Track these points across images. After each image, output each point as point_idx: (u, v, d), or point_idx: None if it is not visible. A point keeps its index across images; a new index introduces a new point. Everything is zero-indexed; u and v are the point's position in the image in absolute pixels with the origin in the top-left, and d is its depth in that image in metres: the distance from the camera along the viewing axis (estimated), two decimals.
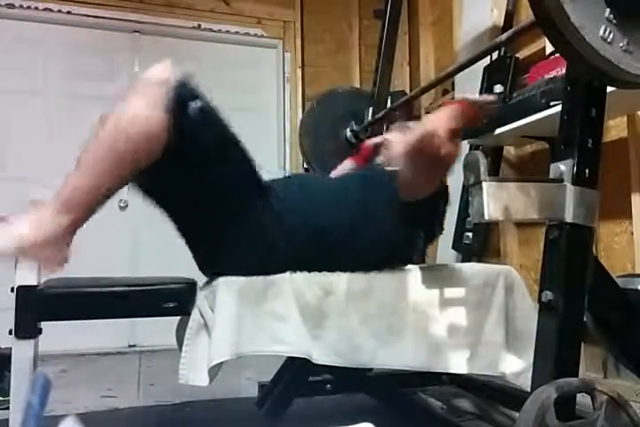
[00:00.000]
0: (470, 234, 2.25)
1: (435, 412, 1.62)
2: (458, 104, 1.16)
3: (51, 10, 2.91)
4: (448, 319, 1.16)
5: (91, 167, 0.96)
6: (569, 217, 0.89)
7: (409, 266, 1.25)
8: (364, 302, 1.14)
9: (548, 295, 0.89)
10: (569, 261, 0.90)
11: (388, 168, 1.38)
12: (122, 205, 2.98)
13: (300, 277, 1.14)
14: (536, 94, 1.68)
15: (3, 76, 2.85)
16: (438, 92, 2.80)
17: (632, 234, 1.70)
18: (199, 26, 3.14)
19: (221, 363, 1.07)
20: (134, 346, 2.90)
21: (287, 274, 1.14)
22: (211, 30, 3.16)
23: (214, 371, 1.08)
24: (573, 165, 0.90)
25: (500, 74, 2.08)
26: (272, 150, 3.17)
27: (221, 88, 2.49)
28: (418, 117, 2.96)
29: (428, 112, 2.90)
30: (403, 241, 1.25)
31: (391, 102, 2.35)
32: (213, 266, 1.20)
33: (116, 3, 2.97)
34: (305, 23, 3.29)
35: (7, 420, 1.08)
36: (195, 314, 1.13)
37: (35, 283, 1.12)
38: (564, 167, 0.91)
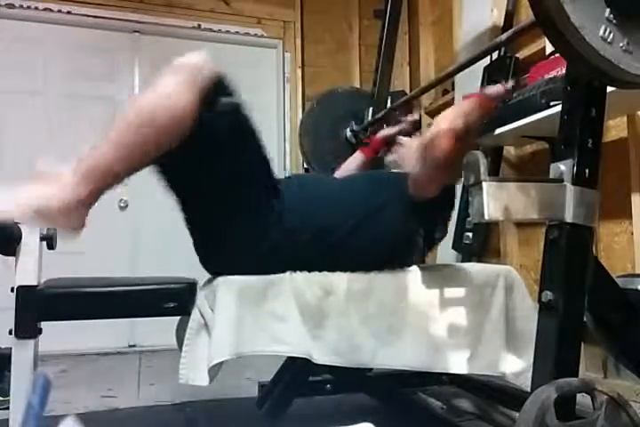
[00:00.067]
0: (470, 234, 2.25)
1: (435, 412, 1.62)
2: (475, 98, 1.18)
3: (51, 10, 2.91)
4: (448, 319, 1.17)
5: (115, 141, 0.96)
6: (569, 217, 0.89)
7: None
8: (365, 301, 1.14)
9: (547, 295, 0.89)
10: (569, 261, 0.90)
11: (396, 169, 1.39)
12: (122, 205, 2.99)
13: (300, 276, 1.14)
14: (536, 94, 1.68)
15: (3, 76, 2.85)
16: (438, 92, 2.80)
17: (632, 234, 1.70)
18: (199, 26, 3.14)
19: (221, 363, 1.07)
20: (134, 346, 2.90)
21: (287, 274, 1.14)
22: (211, 30, 3.16)
23: (214, 371, 1.08)
24: (573, 165, 0.90)
25: (499, 74, 2.08)
26: (272, 150, 3.17)
27: None
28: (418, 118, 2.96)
29: (427, 112, 2.90)
30: (405, 243, 1.25)
31: (391, 102, 2.35)
32: (215, 260, 1.20)
33: (115, 3, 2.97)
34: (305, 23, 3.29)
35: (7, 420, 1.08)
36: (195, 314, 1.13)
37: (35, 283, 1.12)
38: (564, 167, 0.91)
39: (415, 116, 1.83)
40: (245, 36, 3.22)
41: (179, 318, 1.24)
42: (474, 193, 0.86)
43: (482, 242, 2.30)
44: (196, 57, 1.01)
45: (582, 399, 0.85)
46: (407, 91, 3.08)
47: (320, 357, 1.10)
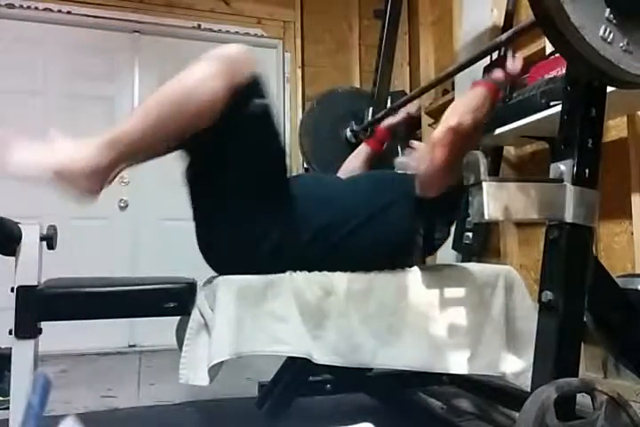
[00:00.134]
0: (470, 234, 2.25)
1: (435, 412, 1.62)
2: (484, 87, 1.18)
3: (51, 10, 2.91)
4: (448, 319, 1.16)
5: (143, 117, 0.99)
6: (569, 217, 0.89)
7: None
8: (365, 301, 1.14)
9: (548, 295, 0.89)
10: (569, 261, 0.90)
11: (402, 171, 1.39)
12: (122, 205, 2.99)
13: (301, 276, 1.14)
14: (536, 94, 1.68)
15: (3, 76, 2.85)
16: (438, 92, 2.80)
17: (632, 234, 1.70)
18: (199, 26, 3.14)
19: (221, 363, 1.07)
20: (134, 346, 2.90)
21: (287, 274, 1.14)
22: (211, 30, 3.16)
23: (214, 371, 1.08)
24: (573, 165, 0.90)
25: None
26: None
27: None
28: (418, 118, 2.96)
29: (428, 112, 2.90)
30: (407, 244, 1.25)
31: (391, 102, 2.35)
32: (218, 256, 1.20)
33: (115, 3, 2.97)
34: (305, 23, 3.29)
35: (7, 420, 1.08)
36: (195, 314, 1.13)
37: (35, 283, 1.12)
38: (564, 167, 0.91)
39: (415, 104, 1.83)
40: (245, 36, 3.22)
41: (179, 318, 1.24)
42: (474, 193, 0.86)
43: (482, 242, 2.30)
44: (236, 48, 1.03)
45: (582, 399, 0.85)
46: (407, 91, 3.08)
47: (320, 357, 1.10)
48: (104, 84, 3.03)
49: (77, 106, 2.97)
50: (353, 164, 1.72)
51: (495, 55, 2.15)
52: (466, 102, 1.16)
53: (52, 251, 1.23)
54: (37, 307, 1.11)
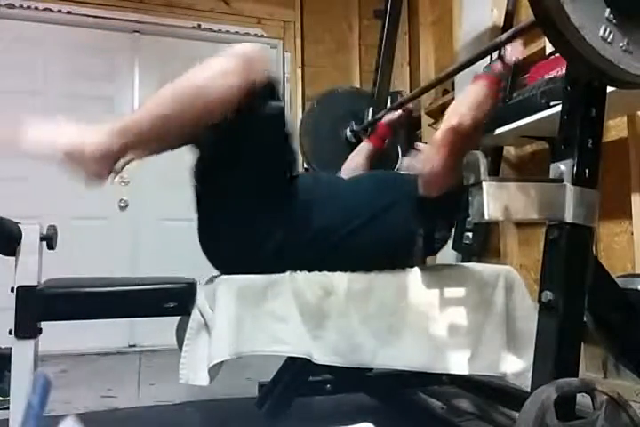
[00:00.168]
0: (470, 234, 2.25)
1: (435, 412, 1.62)
2: (486, 81, 1.18)
3: (51, 10, 2.91)
4: (448, 319, 1.16)
5: (158, 105, 1.00)
6: (569, 217, 0.89)
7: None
8: (365, 301, 1.14)
9: (548, 295, 0.89)
10: (569, 261, 0.90)
11: (406, 171, 1.39)
12: (122, 205, 2.99)
13: (301, 276, 1.14)
14: (536, 94, 1.68)
15: (3, 76, 2.85)
16: (438, 92, 2.80)
17: (632, 234, 1.70)
18: (199, 26, 3.14)
19: (221, 363, 1.07)
20: (134, 346, 2.90)
21: (287, 274, 1.14)
22: (211, 30, 3.16)
23: (214, 371, 1.08)
24: (573, 165, 0.90)
25: None
26: None
27: None
28: (418, 118, 2.96)
29: (428, 112, 2.90)
30: (408, 244, 1.25)
31: (391, 102, 2.35)
32: (220, 254, 1.20)
33: (115, 3, 2.97)
34: (305, 23, 3.29)
35: (7, 420, 1.08)
36: (195, 314, 1.13)
37: (35, 283, 1.12)
38: (564, 167, 0.91)
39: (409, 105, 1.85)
40: (245, 36, 3.22)
41: (179, 318, 1.24)
42: (474, 193, 0.86)
43: (482, 242, 2.30)
44: (252, 47, 1.05)
45: (582, 399, 0.85)
46: (407, 91, 3.08)
47: (320, 357, 1.10)
48: (104, 84, 3.03)
49: (77, 106, 2.97)
50: (355, 161, 1.73)
51: (495, 55, 2.15)
52: (467, 100, 1.16)
53: (51, 251, 1.23)
54: (37, 307, 1.10)
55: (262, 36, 3.24)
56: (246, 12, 3.21)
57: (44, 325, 1.15)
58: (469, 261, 2.26)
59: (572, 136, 0.92)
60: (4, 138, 1.00)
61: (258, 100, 1.03)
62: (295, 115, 3.15)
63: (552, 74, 1.71)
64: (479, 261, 2.30)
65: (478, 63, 1.45)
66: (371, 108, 2.32)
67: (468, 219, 2.22)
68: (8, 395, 1.12)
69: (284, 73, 3.24)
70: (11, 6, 2.85)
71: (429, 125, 2.92)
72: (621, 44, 0.79)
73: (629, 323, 1.05)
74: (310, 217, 1.17)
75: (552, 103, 1.60)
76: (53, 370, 2.24)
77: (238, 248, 1.16)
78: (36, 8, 2.89)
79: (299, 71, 3.22)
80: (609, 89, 0.94)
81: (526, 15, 2.16)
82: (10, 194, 2.71)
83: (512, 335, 1.20)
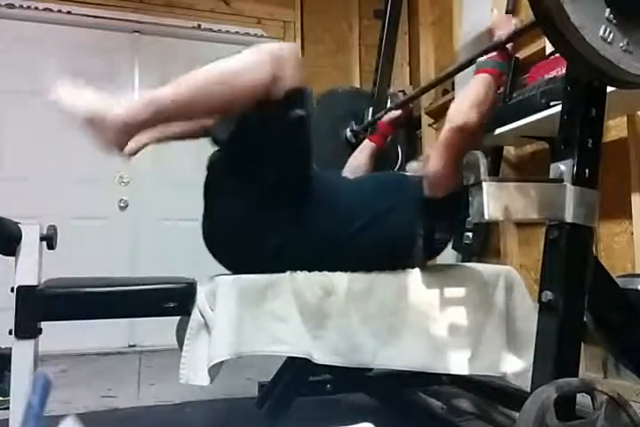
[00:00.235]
0: (470, 234, 2.25)
1: (435, 412, 1.62)
2: (489, 75, 1.18)
3: (51, 10, 2.91)
4: (448, 319, 1.16)
5: (185, 85, 1.03)
6: (569, 217, 0.89)
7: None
8: (365, 301, 1.14)
9: (548, 295, 0.89)
10: (569, 261, 0.90)
11: (409, 173, 1.39)
12: (122, 205, 2.99)
13: (301, 276, 1.14)
14: (536, 94, 1.68)
15: (3, 76, 2.85)
16: (438, 92, 2.80)
17: (632, 234, 1.70)
18: (199, 26, 3.14)
19: (222, 363, 1.07)
20: (134, 346, 2.90)
21: (287, 274, 1.14)
22: (211, 30, 3.16)
23: (214, 371, 1.08)
24: (573, 165, 0.90)
25: None
26: None
27: None
28: (418, 118, 2.96)
29: (428, 112, 2.90)
30: (409, 246, 1.24)
31: (391, 102, 2.35)
32: (223, 248, 1.21)
33: (115, 3, 2.97)
34: (305, 23, 3.29)
35: (7, 420, 1.08)
36: (195, 314, 1.13)
37: (35, 283, 1.11)
38: (564, 167, 0.91)
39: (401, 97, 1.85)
40: (245, 36, 3.22)
41: (179, 318, 1.24)
42: (474, 193, 0.86)
43: (482, 242, 2.30)
44: (287, 46, 1.09)
45: (582, 399, 0.85)
46: (407, 91, 3.08)
47: (320, 357, 1.10)
48: (104, 84, 3.00)
49: None
50: (358, 160, 1.73)
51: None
52: (470, 97, 1.15)
53: (51, 251, 1.23)
54: (37, 307, 1.10)
55: (262, 36, 3.24)
56: (246, 12, 3.21)
57: (43, 325, 1.15)
58: (469, 261, 2.25)
59: (572, 136, 0.92)
60: (45, 86, 1.07)
61: (284, 105, 1.05)
62: None
63: (552, 74, 1.70)
64: (479, 261, 2.30)
65: None
66: (371, 108, 2.32)
67: (468, 219, 2.23)
68: (8, 395, 1.12)
69: None
70: (11, 6, 2.85)
71: (429, 125, 2.92)
72: (621, 44, 0.79)
73: (629, 323, 1.05)
74: (316, 216, 1.17)
75: (552, 103, 1.60)
76: (53, 370, 2.24)
77: (245, 243, 1.16)
78: (36, 8, 2.89)
79: None
80: (609, 89, 0.94)
81: (526, 15, 2.16)
82: (10, 194, 2.71)
83: (512, 335, 1.20)
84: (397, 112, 1.78)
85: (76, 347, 2.68)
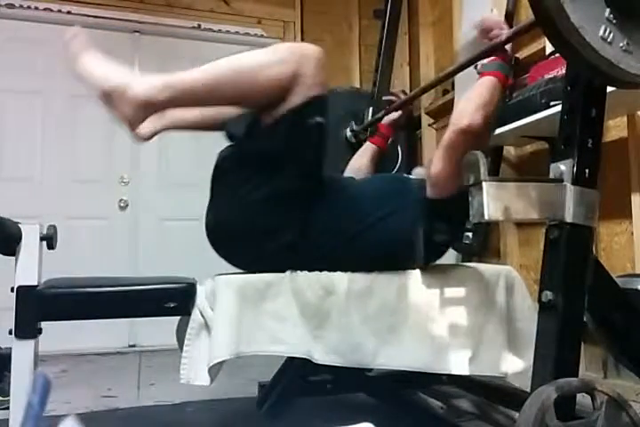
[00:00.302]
0: (470, 234, 2.25)
1: (435, 412, 1.62)
2: (494, 78, 1.17)
3: (51, 10, 2.91)
4: (449, 320, 1.16)
5: (208, 72, 1.05)
6: (569, 217, 0.89)
7: None
8: (365, 301, 1.14)
9: (547, 295, 0.89)
10: (569, 261, 0.90)
11: (414, 176, 1.39)
12: (122, 205, 2.99)
13: (301, 276, 1.14)
14: (536, 94, 1.68)
15: (3, 76, 2.85)
16: (438, 92, 2.80)
17: (632, 234, 1.70)
18: (199, 26, 3.14)
19: (222, 363, 1.07)
20: (134, 346, 2.90)
21: (287, 273, 1.14)
22: (211, 30, 3.16)
23: (215, 371, 1.08)
24: (573, 165, 0.90)
25: None
26: None
27: None
28: (418, 118, 2.96)
29: (428, 112, 2.90)
30: (413, 248, 1.24)
31: (391, 102, 2.34)
32: (228, 241, 1.20)
33: (116, 3, 2.97)
34: (305, 23, 3.29)
35: (7, 420, 1.08)
36: (195, 314, 1.13)
37: (35, 283, 1.12)
38: (564, 167, 0.91)
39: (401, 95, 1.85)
40: (245, 36, 3.22)
41: (179, 318, 1.24)
42: (474, 193, 0.86)
43: (482, 242, 2.30)
44: (313, 47, 1.11)
45: (582, 399, 0.85)
46: (407, 91, 3.08)
47: (321, 357, 1.10)
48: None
49: (77, 106, 2.97)
50: (359, 162, 1.73)
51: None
52: (474, 100, 1.14)
53: (52, 251, 1.23)
54: (37, 307, 1.10)
55: (262, 36, 3.24)
56: (246, 12, 3.21)
57: (44, 325, 1.15)
58: (469, 261, 2.25)
59: (572, 136, 0.92)
60: (69, 54, 1.08)
61: (305, 111, 1.08)
62: None
63: (552, 74, 1.71)
64: (479, 261, 2.30)
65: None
66: (371, 108, 2.32)
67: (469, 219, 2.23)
68: (8, 395, 1.12)
69: None
70: (11, 6, 2.85)
71: (429, 125, 2.92)
72: (621, 44, 0.79)
73: (629, 323, 1.05)
74: (325, 215, 1.17)
75: (552, 103, 1.60)
76: (53, 370, 2.24)
77: (254, 238, 1.16)
78: (36, 8, 2.89)
79: None
80: (609, 89, 0.94)
81: (526, 15, 2.16)
82: (10, 194, 2.71)
83: (512, 335, 1.20)
84: (397, 114, 1.78)
85: (76, 347, 2.68)
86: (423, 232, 1.19)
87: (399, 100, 1.78)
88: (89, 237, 2.89)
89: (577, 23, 0.75)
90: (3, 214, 1.12)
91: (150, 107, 1.03)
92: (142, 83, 1.01)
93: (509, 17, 2.22)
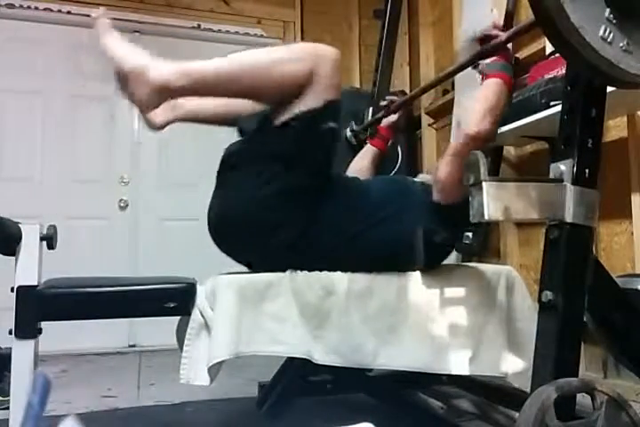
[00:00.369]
0: (470, 234, 2.25)
1: (435, 412, 1.62)
2: (500, 80, 1.18)
3: (51, 10, 2.91)
4: (449, 320, 1.16)
5: (226, 64, 1.08)
6: (569, 217, 0.89)
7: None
8: (365, 301, 1.14)
9: (547, 295, 0.89)
10: (569, 261, 0.89)
11: (419, 179, 1.38)
12: (122, 205, 2.99)
13: (301, 276, 1.14)
14: (536, 94, 1.68)
15: (2, 76, 2.85)
16: (438, 92, 2.80)
17: (632, 234, 1.70)
18: (199, 26, 3.14)
19: (221, 363, 1.07)
20: (134, 346, 2.90)
21: (287, 273, 1.14)
22: (211, 30, 3.16)
23: (214, 371, 1.08)
24: (573, 165, 0.90)
25: None
26: None
27: None
28: (418, 118, 2.96)
29: (428, 112, 2.90)
30: (415, 250, 1.24)
31: (385, 108, 2.34)
32: (232, 234, 1.20)
33: (116, 3, 2.97)
34: (305, 23, 3.29)
35: (7, 420, 1.08)
36: (195, 314, 1.13)
37: (35, 283, 1.12)
38: (564, 167, 0.91)
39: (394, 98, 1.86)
40: (245, 36, 3.22)
41: (179, 318, 1.24)
42: (474, 193, 0.86)
43: (482, 242, 2.30)
44: (332, 49, 1.15)
45: (582, 399, 0.85)
46: (407, 91, 3.08)
47: (321, 357, 1.10)
48: (104, 84, 3.02)
49: (77, 106, 2.97)
50: (360, 164, 1.73)
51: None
52: (483, 105, 1.14)
53: (52, 251, 1.23)
54: (37, 307, 1.10)
55: (262, 36, 3.25)
56: (246, 12, 3.21)
57: (44, 325, 1.15)
58: (469, 261, 2.25)
59: (572, 136, 0.92)
60: (97, 29, 1.14)
61: (320, 115, 1.09)
62: None
63: (552, 74, 1.71)
64: (479, 261, 2.30)
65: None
66: (371, 109, 2.32)
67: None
68: (8, 395, 1.12)
69: None
70: (11, 6, 2.85)
71: (429, 125, 2.92)
72: (621, 44, 0.79)
73: (629, 323, 1.05)
74: (332, 213, 1.17)
75: (552, 103, 1.60)
76: (53, 370, 2.24)
77: (260, 232, 1.15)
78: (36, 8, 2.89)
79: None
80: (609, 89, 0.94)
81: (526, 15, 2.16)
82: (10, 194, 2.71)
83: (512, 336, 1.20)
84: (395, 116, 1.78)
85: (76, 347, 2.68)
86: (427, 236, 1.18)
87: (396, 102, 1.78)
88: (89, 237, 2.89)
89: (577, 23, 0.75)
90: (3, 214, 1.12)
91: (166, 92, 1.04)
92: (161, 67, 1.03)
93: (509, 17, 2.22)
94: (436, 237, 1.20)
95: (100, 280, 1.25)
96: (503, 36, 1.22)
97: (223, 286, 1.11)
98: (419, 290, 1.17)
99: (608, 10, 0.78)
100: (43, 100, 2.94)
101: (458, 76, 2.03)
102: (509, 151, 2.30)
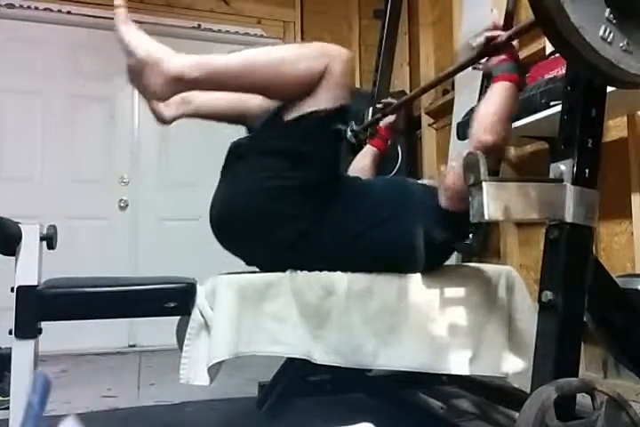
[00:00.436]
0: (470, 234, 2.25)
1: (435, 412, 1.62)
2: (509, 82, 1.15)
3: (51, 10, 2.91)
4: (449, 320, 1.16)
5: (240, 59, 1.09)
6: (569, 217, 0.89)
7: None
8: (365, 302, 1.14)
9: (547, 295, 0.89)
10: (569, 261, 0.90)
11: (424, 182, 1.38)
12: (122, 205, 2.99)
13: (301, 276, 1.14)
14: (536, 94, 1.68)
15: (2, 76, 2.85)
16: (438, 92, 2.80)
17: (632, 234, 1.70)
18: (199, 26, 3.14)
19: (221, 363, 1.07)
20: (134, 346, 2.90)
21: (287, 273, 1.14)
22: (211, 30, 3.16)
23: (214, 371, 1.08)
24: (573, 165, 0.90)
25: None
26: None
27: None
28: (418, 118, 2.96)
29: (428, 112, 2.90)
30: (416, 253, 1.23)
31: (383, 110, 2.34)
32: (237, 231, 1.20)
33: None
34: (305, 23, 3.29)
35: (7, 420, 1.08)
36: (195, 314, 1.13)
37: (35, 283, 1.12)
38: (564, 167, 0.91)
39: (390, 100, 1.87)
40: (245, 36, 3.22)
41: (179, 318, 1.24)
42: (474, 193, 0.86)
43: (482, 242, 2.30)
44: (344, 50, 1.13)
45: (582, 399, 0.85)
46: (407, 91, 3.08)
47: (321, 357, 1.10)
48: (104, 84, 3.03)
49: (77, 106, 2.97)
50: (361, 164, 1.73)
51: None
52: (495, 111, 1.12)
53: (52, 251, 1.23)
54: (37, 307, 1.10)
55: (262, 36, 3.25)
56: (246, 11, 3.21)
57: (44, 325, 1.15)
58: (469, 261, 2.25)
59: (572, 136, 0.92)
60: (115, 19, 1.12)
61: (331, 117, 1.10)
62: None
63: (552, 74, 1.70)
64: (479, 261, 2.30)
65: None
66: (371, 108, 2.32)
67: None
68: (8, 395, 1.12)
69: None
70: (11, 6, 2.85)
71: (429, 125, 2.92)
72: (621, 44, 0.79)
73: (629, 323, 1.05)
74: (337, 211, 1.17)
75: (552, 103, 1.60)
76: (53, 370, 2.24)
77: (265, 228, 1.15)
78: (36, 8, 2.89)
79: None
80: (609, 89, 0.94)
81: (526, 15, 2.16)
82: (10, 194, 2.71)
83: (513, 336, 1.20)
84: (392, 117, 1.78)
85: (76, 347, 2.68)
86: (429, 239, 1.18)
87: (394, 103, 1.78)
88: (89, 237, 2.89)
89: (577, 23, 0.75)
90: (3, 214, 1.12)
91: (179, 83, 1.04)
92: (176, 59, 1.04)
93: (509, 17, 2.21)
94: (439, 241, 1.20)
95: (99, 280, 1.25)
96: (504, 35, 1.22)
97: (223, 286, 1.11)
98: (419, 290, 1.17)
99: (608, 10, 0.78)
100: (43, 100, 2.94)
101: (458, 76, 2.03)
102: (509, 151, 2.30)
